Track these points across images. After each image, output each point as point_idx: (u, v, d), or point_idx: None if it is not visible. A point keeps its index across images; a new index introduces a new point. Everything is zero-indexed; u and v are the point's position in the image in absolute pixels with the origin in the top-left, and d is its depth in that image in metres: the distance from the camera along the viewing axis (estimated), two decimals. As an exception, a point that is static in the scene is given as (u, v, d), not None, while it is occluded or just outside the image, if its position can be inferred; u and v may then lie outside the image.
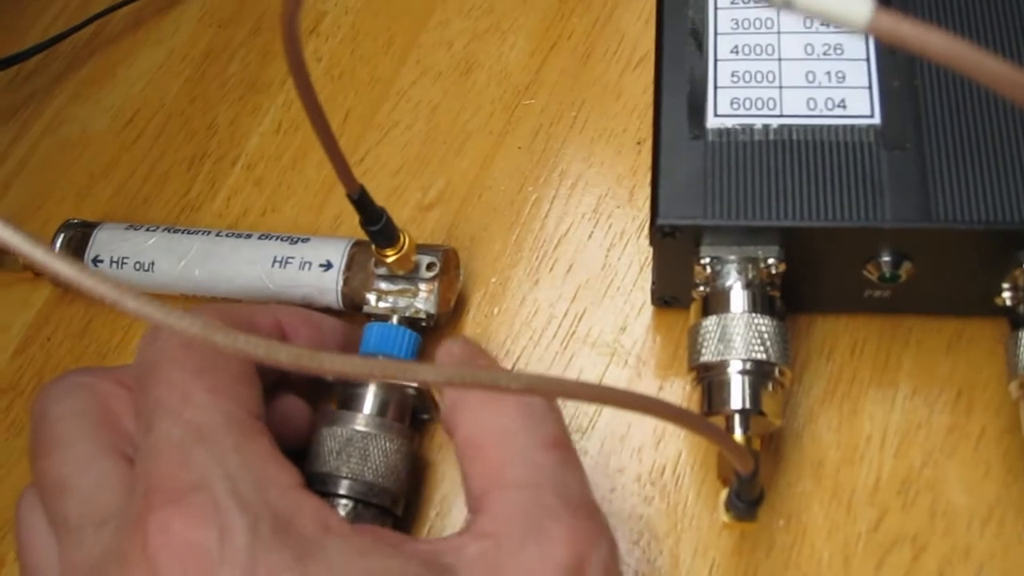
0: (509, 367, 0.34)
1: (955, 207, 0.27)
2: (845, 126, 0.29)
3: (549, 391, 0.20)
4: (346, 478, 0.29)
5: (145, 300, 0.18)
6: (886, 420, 0.31)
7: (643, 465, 0.31)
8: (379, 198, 0.29)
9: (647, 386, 0.33)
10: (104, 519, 0.24)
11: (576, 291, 0.35)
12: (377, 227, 0.30)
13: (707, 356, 0.28)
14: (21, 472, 0.34)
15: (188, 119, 0.40)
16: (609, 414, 0.32)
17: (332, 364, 0.18)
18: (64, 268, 0.17)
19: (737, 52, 0.31)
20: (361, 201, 0.29)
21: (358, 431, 0.30)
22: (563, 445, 0.26)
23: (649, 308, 0.34)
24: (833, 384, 0.32)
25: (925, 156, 0.28)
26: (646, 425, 0.32)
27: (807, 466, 0.30)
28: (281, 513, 0.23)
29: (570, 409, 0.32)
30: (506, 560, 0.24)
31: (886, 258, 0.29)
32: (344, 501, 0.29)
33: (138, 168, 0.40)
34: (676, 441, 0.31)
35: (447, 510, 0.32)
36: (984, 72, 0.15)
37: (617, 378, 0.33)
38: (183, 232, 0.35)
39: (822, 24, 0.30)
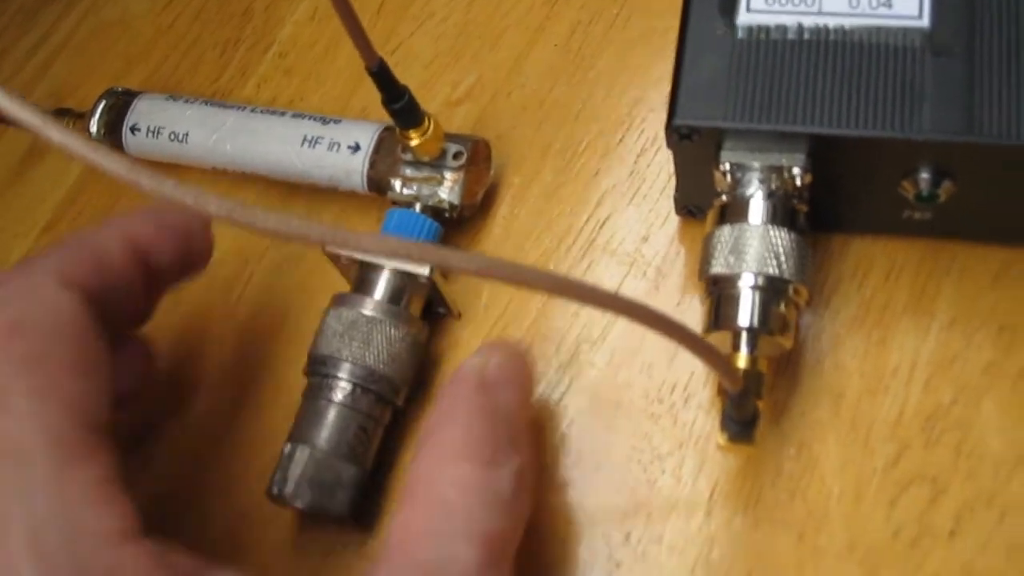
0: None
1: (1004, 121, 0.25)
2: (889, 27, 0.26)
3: (501, 275, 0.18)
4: (346, 361, 0.29)
5: (72, 136, 0.17)
6: (917, 351, 0.29)
7: (652, 381, 0.30)
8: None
9: (664, 300, 0.31)
10: None
11: (601, 196, 0.33)
12: (399, 104, 0.29)
13: (717, 268, 0.26)
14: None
15: (225, 3, 0.39)
16: (622, 327, 0.31)
17: (266, 222, 0.17)
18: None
19: (780, -59, 0.28)
20: (381, 75, 0.28)
21: (364, 315, 0.30)
22: (496, 547, 0.23)
23: (675, 219, 0.32)
24: (863, 310, 0.29)
25: (975, 64, 0.26)
26: (659, 341, 0.30)
27: (825, 394, 0.29)
28: (91, 572, 0.19)
29: (582, 317, 0.31)
30: None
31: (924, 175, 0.26)
32: (343, 384, 0.29)
33: (172, 52, 0.39)
34: (689, 360, 0.30)
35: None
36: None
37: (634, 290, 0.31)
38: (219, 106, 0.35)
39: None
